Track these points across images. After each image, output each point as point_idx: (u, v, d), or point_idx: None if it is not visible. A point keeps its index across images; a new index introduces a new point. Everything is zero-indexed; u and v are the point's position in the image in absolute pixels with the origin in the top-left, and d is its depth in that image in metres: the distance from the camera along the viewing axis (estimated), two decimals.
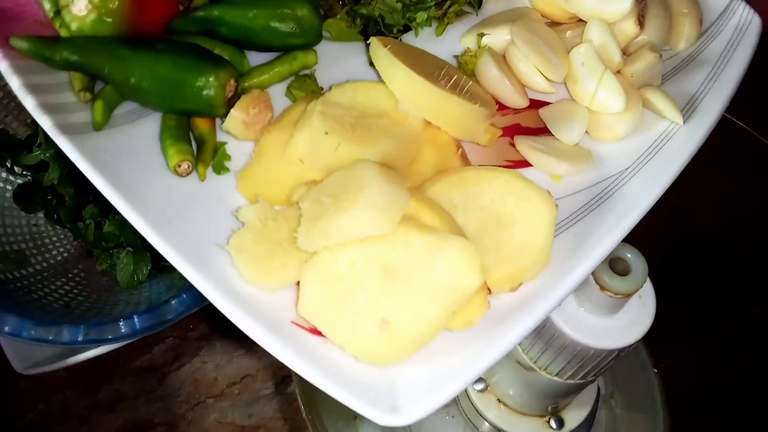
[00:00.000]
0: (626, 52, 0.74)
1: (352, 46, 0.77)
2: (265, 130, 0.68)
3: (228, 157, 0.67)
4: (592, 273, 0.67)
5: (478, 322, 0.57)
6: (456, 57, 0.76)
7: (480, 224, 0.61)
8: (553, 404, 1.09)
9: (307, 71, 0.74)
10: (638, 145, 0.69)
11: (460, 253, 0.55)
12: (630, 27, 0.72)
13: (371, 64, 0.75)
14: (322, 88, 0.73)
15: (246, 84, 0.70)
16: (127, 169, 0.63)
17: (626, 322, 0.69)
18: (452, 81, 0.66)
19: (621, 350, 0.74)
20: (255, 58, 0.73)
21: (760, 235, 0.89)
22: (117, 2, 0.63)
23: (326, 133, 0.62)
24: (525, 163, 0.69)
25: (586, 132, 0.71)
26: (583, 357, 0.83)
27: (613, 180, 0.67)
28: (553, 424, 1.08)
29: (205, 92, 0.63)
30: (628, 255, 0.65)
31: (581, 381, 0.95)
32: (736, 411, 0.87)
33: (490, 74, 0.72)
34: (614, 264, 0.66)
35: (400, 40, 0.78)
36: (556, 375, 0.88)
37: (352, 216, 0.55)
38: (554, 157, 0.68)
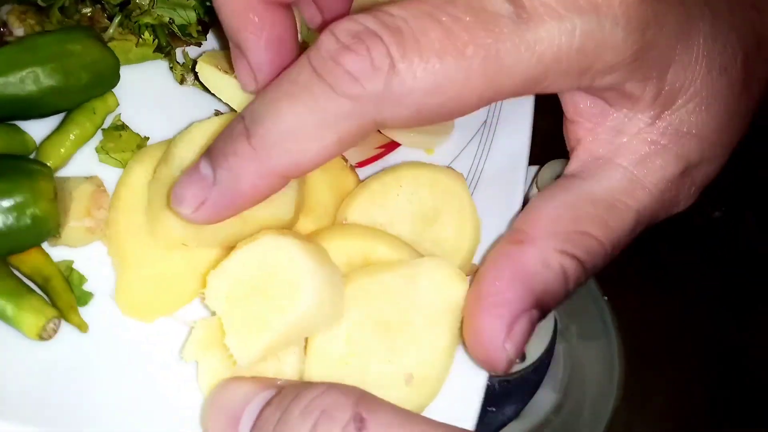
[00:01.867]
0: None
1: (149, 67, 0.60)
2: (111, 222, 0.51)
3: (84, 278, 0.50)
4: (538, 188, 0.68)
5: None
6: None
7: (412, 230, 0.57)
8: None
9: (118, 122, 0.56)
10: None
11: (438, 271, 0.51)
12: None
13: (182, 82, 0.60)
14: (147, 138, 0.56)
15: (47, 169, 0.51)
16: None
17: None
18: None
19: None
20: (32, 127, 0.53)
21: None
22: None
23: None
24: (395, 144, 0.65)
25: None
26: None
27: (485, 129, 0.67)
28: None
29: (25, 220, 0.44)
30: None
31: None
32: (684, 334, 0.97)
33: None
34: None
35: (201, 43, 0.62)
36: None
37: (300, 321, 0.46)
38: (419, 131, 0.65)
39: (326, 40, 0.40)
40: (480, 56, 0.40)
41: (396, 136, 0.64)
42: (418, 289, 0.51)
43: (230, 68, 0.54)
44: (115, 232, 0.51)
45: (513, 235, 0.50)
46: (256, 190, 0.43)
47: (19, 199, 0.43)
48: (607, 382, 0.93)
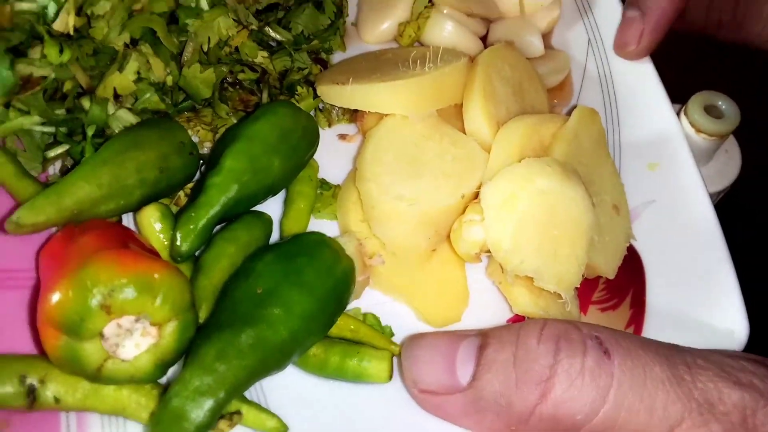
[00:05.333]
0: None
1: None
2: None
3: (377, 317, 0.54)
4: (689, 119, 0.75)
5: None
6: (399, 26, 0.69)
7: None
8: None
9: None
10: (574, 17, 0.74)
11: None
12: None
13: (331, 124, 0.64)
14: (339, 186, 0.60)
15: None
16: None
17: (715, 171, 0.78)
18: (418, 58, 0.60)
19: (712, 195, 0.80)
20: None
21: None
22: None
23: None
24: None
25: None
26: None
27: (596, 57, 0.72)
28: None
29: (344, 277, 0.49)
30: (719, 102, 0.74)
31: None
32: None
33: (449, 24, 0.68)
34: (708, 111, 0.74)
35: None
36: None
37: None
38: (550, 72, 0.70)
39: None
40: None
41: None
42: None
43: (344, 80, 0.59)
44: (387, 276, 0.55)
45: None
46: (674, 3, 0.65)
47: (329, 261, 0.48)
48: None
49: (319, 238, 0.49)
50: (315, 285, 0.46)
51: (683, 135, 0.66)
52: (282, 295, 0.44)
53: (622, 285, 0.61)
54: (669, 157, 0.65)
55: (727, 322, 0.57)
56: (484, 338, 0.45)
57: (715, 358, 0.44)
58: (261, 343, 0.42)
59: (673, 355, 0.43)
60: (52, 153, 0.53)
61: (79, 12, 0.51)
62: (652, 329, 0.57)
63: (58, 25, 0.48)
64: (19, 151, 0.52)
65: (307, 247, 0.48)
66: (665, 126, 0.67)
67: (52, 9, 0.50)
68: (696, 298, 0.59)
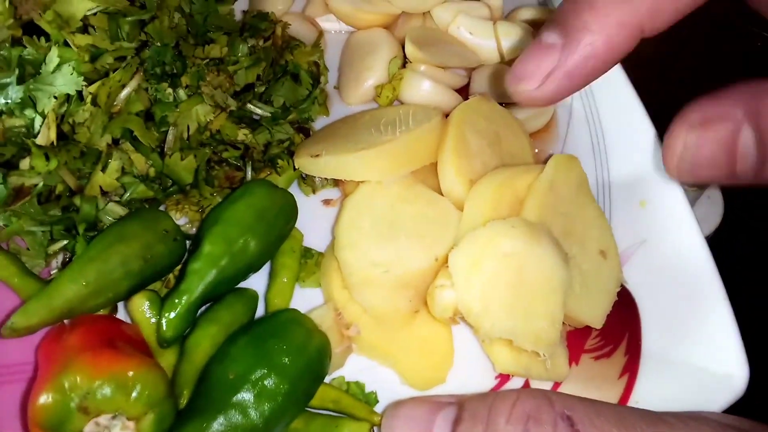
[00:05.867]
0: None
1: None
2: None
3: (362, 384, 0.55)
4: None
5: None
6: (376, 88, 0.70)
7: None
8: None
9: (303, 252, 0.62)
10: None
11: None
12: None
13: (315, 191, 0.67)
14: (322, 253, 0.62)
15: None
16: None
17: (698, 217, 0.75)
18: (390, 122, 0.62)
19: None
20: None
21: None
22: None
23: None
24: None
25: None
26: None
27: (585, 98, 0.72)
28: None
29: (319, 355, 0.51)
30: None
31: None
32: None
33: (424, 83, 0.69)
34: None
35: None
36: None
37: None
38: (533, 116, 0.70)
39: None
40: None
41: None
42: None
43: (319, 151, 0.61)
44: (369, 341, 0.57)
45: None
46: (611, 47, 0.40)
47: (300, 340, 0.49)
48: None
49: (292, 317, 0.51)
50: (286, 366, 0.47)
51: None
52: (253, 379, 0.46)
53: (617, 330, 0.60)
54: (658, 193, 0.64)
55: (725, 365, 0.55)
56: (459, 410, 0.44)
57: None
58: (232, 430, 0.44)
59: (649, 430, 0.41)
60: (51, 249, 0.57)
61: (62, 121, 0.55)
62: (646, 377, 0.56)
63: (40, 140, 0.53)
64: (22, 250, 0.57)
65: (279, 327, 0.50)
66: (654, 162, 0.65)
67: (38, 122, 0.54)
68: (692, 341, 0.57)
